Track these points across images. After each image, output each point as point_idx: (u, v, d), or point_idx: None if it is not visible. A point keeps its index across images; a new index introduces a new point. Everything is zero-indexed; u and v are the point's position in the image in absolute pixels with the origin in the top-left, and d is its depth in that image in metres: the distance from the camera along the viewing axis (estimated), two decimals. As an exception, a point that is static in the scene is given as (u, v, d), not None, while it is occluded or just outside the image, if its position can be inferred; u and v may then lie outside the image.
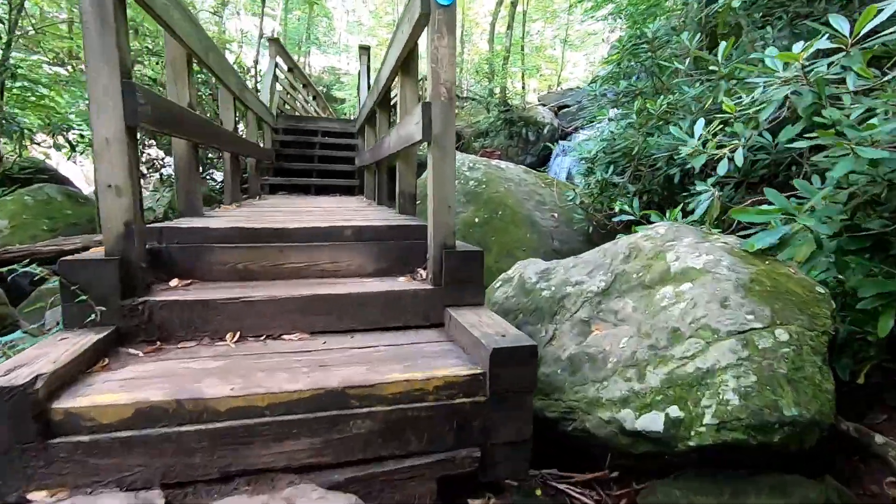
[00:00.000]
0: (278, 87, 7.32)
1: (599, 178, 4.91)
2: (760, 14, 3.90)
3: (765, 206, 2.13)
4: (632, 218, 3.59)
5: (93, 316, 1.62)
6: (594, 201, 5.06)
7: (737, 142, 2.53)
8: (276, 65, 7.06)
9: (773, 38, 3.80)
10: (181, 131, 2.22)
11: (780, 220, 2.11)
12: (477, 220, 5.33)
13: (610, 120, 5.49)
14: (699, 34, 4.84)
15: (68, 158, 6.69)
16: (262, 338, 1.83)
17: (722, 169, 2.47)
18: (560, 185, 6.41)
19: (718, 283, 1.87)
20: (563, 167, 12.69)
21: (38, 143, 7.19)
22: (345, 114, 28.92)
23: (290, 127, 7.10)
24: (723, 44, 3.17)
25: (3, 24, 6.71)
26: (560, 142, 13.97)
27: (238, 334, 1.81)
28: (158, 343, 1.73)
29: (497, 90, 14.53)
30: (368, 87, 7.25)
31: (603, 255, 2.61)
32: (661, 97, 4.17)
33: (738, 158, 2.42)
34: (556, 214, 5.69)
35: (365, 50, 7.41)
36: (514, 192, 5.76)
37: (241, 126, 5.60)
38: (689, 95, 4.00)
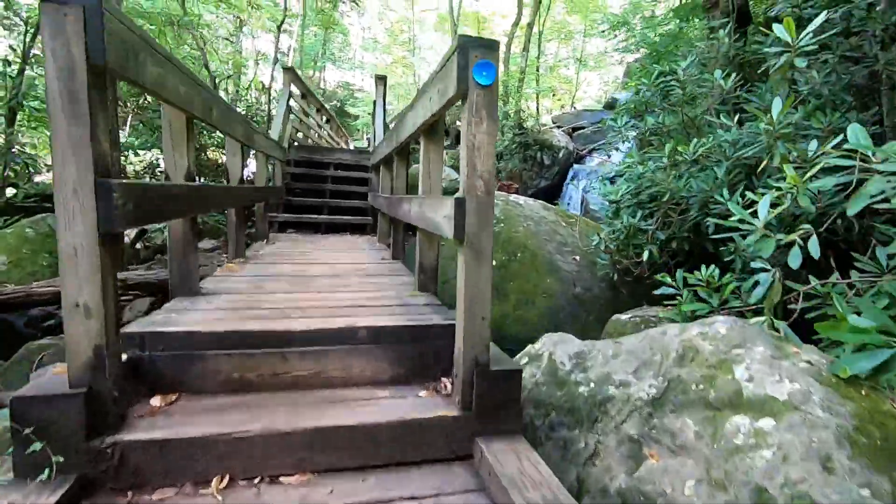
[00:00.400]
0: (291, 116, 7.12)
1: (626, 222, 4.58)
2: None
3: (855, 319, 1.78)
4: (672, 289, 3.24)
5: (47, 471, 1.31)
6: (620, 247, 4.72)
7: (807, 226, 2.19)
8: (290, 94, 6.87)
9: (821, 82, 3.49)
10: (175, 213, 1.93)
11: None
12: (494, 262, 5.00)
13: (629, 158, 5.17)
14: (734, 73, 4.54)
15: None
16: (255, 481, 1.50)
17: (795, 261, 2.13)
18: (582, 222, 6.08)
19: (814, 430, 1.52)
20: (576, 191, 12.39)
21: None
22: (357, 130, 29.01)
23: (303, 159, 6.87)
24: (777, 100, 2.84)
25: (16, 50, 6.60)
26: (574, 165, 13.68)
27: (227, 478, 1.49)
28: (130, 494, 1.41)
29: (511, 112, 14.30)
30: (384, 119, 7.04)
31: (649, 347, 2.28)
32: (695, 141, 3.86)
33: (814, 249, 2.08)
34: (577, 258, 5.35)
35: (381, 79, 7.19)
36: (533, 233, 5.44)
37: (250, 163, 5.38)
38: (724, 139, 3.69)
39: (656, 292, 3.27)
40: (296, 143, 7.43)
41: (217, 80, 7.31)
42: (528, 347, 2.79)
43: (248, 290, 2.57)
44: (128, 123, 7.63)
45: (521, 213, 5.69)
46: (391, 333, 1.94)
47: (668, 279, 3.19)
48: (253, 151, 4.41)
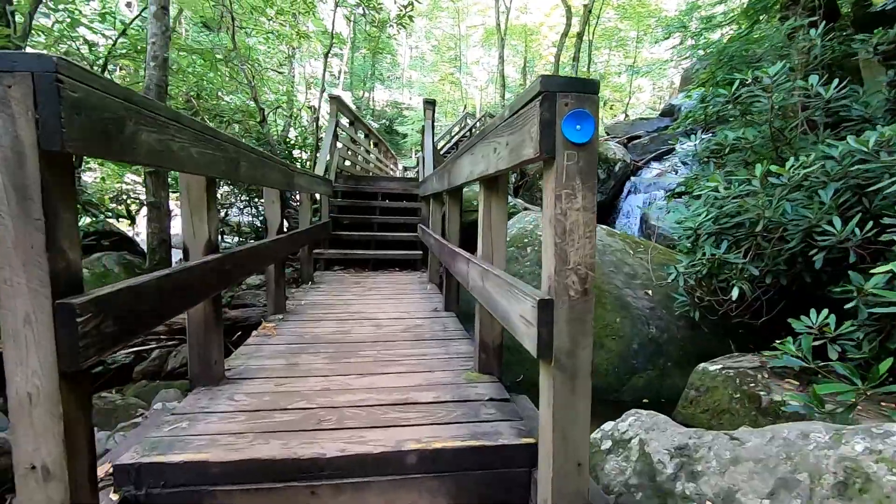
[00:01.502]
0: (339, 144, 6.92)
1: (709, 254, 3.90)
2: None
3: None
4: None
5: None
6: (702, 282, 4.05)
7: None
8: (337, 122, 6.67)
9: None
10: (185, 303, 1.59)
11: None
12: None
13: (711, 182, 4.51)
14: (835, 78, 3.85)
15: (130, 224, 6.57)
16: None
17: None
18: (653, 250, 5.40)
19: None
20: (634, 206, 11.58)
21: (108, 209, 7.18)
22: (406, 150, 29.17)
23: (349, 189, 6.62)
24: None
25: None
26: (631, 177, 12.85)
27: None
28: None
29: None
30: (433, 142, 6.70)
31: (787, 458, 1.69)
32: (793, 159, 3.21)
33: None
34: (650, 292, 4.70)
35: (430, 104, 6.87)
36: (598, 264, 4.85)
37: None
38: (828, 155, 3.04)
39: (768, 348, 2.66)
40: (343, 173, 7.22)
41: (266, 112, 7.24)
42: (610, 426, 2.26)
43: (280, 370, 2.20)
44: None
45: (584, 243, 5.12)
46: (449, 459, 1.49)
47: (757, 320, 2.56)
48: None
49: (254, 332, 2.85)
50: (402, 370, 2.20)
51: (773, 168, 3.27)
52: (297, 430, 1.59)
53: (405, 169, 20.21)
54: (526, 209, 7.47)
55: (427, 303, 3.79)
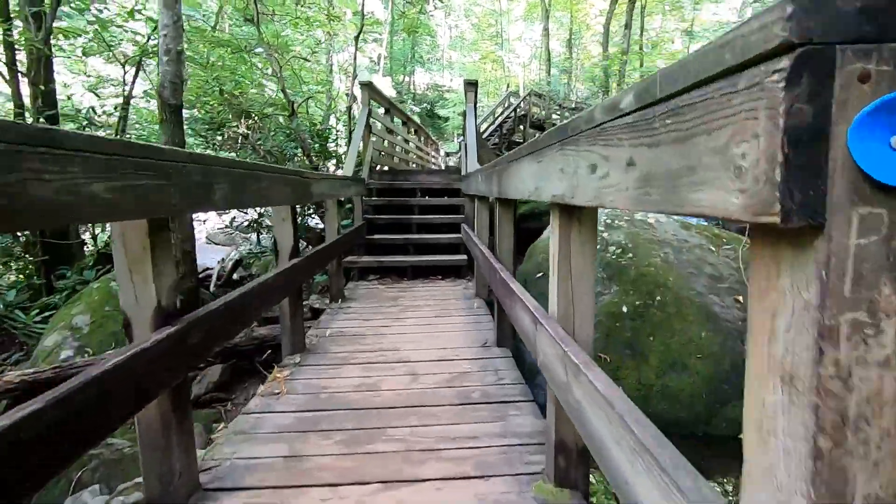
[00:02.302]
0: (373, 137, 6.30)
1: None
2: None
3: None
4: None
5: None
6: None
7: None
8: (370, 112, 6.03)
9: None
10: (124, 412, 1.00)
11: None
12: (625, 308, 3.70)
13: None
14: None
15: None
16: None
17: None
18: (743, 246, 4.48)
19: None
20: None
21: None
22: (448, 133, 28.32)
23: (385, 186, 6.00)
24: None
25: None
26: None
27: None
28: None
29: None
30: (476, 127, 5.95)
31: None
32: None
33: None
34: (741, 298, 3.83)
35: (472, 85, 6.10)
36: (674, 265, 4.02)
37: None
38: None
39: None
40: (377, 168, 6.61)
41: (296, 105, 6.71)
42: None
43: (276, 470, 1.61)
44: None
45: (655, 238, 4.30)
46: None
47: None
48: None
49: (260, 389, 2.29)
50: (444, 473, 1.54)
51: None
52: None
53: (447, 155, 19.48)
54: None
55: (475, 330, 3.12)
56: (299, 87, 7.87)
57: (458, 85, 31.87)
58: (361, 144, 5.67)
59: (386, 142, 7.25)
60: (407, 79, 35.08)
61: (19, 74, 5.67)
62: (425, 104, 33.56)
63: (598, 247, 4.14)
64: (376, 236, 5.23)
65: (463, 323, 3.28)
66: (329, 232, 3.85)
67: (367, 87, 6.04)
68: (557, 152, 1.15)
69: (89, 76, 6.83)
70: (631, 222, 4.57)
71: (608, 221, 4.47)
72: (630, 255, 4.10)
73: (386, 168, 7.46)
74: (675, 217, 4.75)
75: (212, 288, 6.59)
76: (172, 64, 4.54)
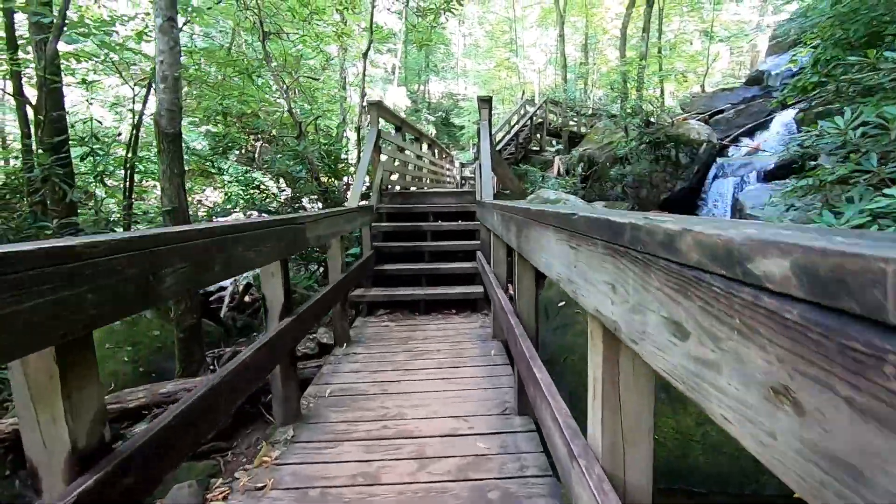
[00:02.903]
0: (383, 157, 6.01)
1: None
2: None
3: None
4: None
5: None
6: None
7: None
8: (379, 132, 5.74)
9: None
10: None
11: None
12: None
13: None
14: None
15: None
16: None
17: None
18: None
19: None
20: (722, 192, 9.90)
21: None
22: (464, 142, 28.02)
23: (395, 210, 5.68)
24: None
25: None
26: (717, 159, 11.07)
27: None
28: None
29: (635, 105, 11.89)
30: (491, 144, 5.61)
31: None
32: None
33: None
34: None
35: (485, 102, 5.75)
36: None
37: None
38: None
39: None
40: (388, 189, 6.31)
41: (304, 126, 6.47)
42: None
43: None
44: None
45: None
46: None
47: None
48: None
49: (244, 480, 1.96)
50: None
51: None
52: None
53: (462, 165, 19.14)
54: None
55: (492, 388, 2.76)
56: (310, 104, 7.65)
57: (472, 93, 31.61)
58: (371, 167, 5.38)
59: (397, 161, 6.96)
60: (422, 88, 34.97)
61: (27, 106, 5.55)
62: (440, 112, 33.38)
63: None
64: (386, 266, 4.91)
65: (479, 378, 2.91)
66: (332, 270, 3.54)
67: (376, 106, 5.76)
68: (605, 254, 0.80)
69: (95, 99, 6.72)
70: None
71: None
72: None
73: (397, 188, 7.16)
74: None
75: (224, 311, 6.37)
76: (169, 91, 4.31)
